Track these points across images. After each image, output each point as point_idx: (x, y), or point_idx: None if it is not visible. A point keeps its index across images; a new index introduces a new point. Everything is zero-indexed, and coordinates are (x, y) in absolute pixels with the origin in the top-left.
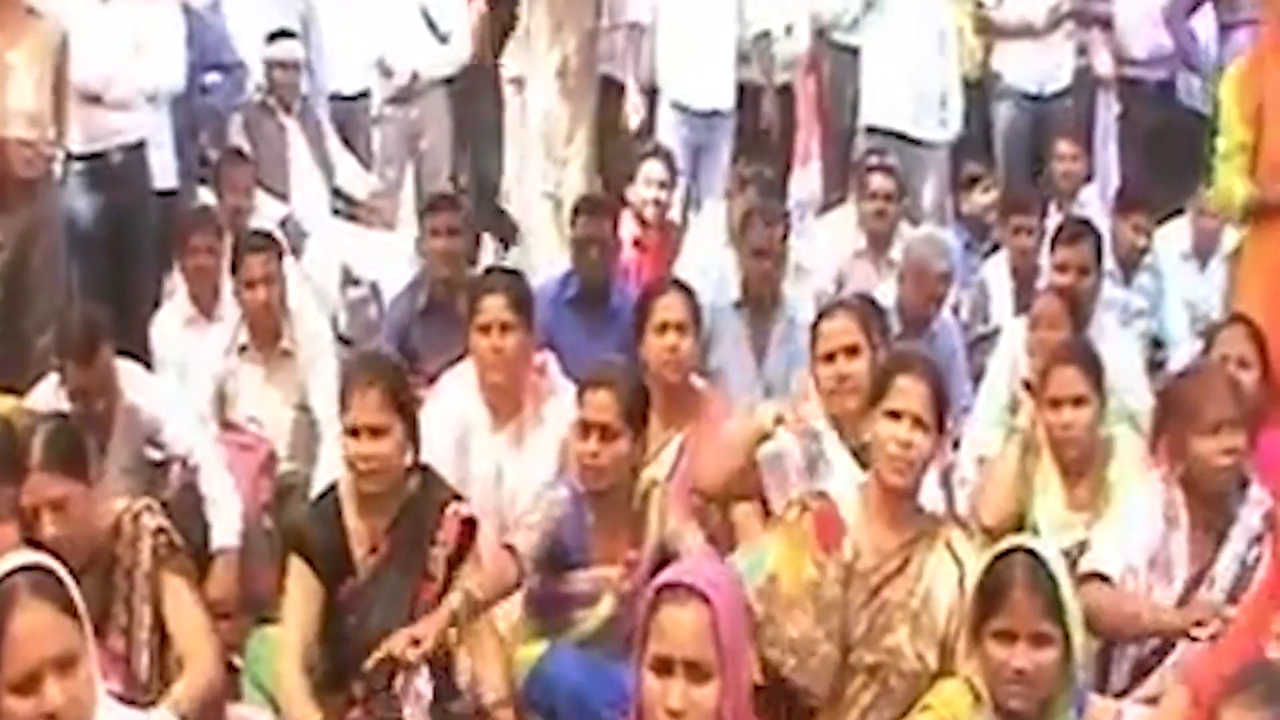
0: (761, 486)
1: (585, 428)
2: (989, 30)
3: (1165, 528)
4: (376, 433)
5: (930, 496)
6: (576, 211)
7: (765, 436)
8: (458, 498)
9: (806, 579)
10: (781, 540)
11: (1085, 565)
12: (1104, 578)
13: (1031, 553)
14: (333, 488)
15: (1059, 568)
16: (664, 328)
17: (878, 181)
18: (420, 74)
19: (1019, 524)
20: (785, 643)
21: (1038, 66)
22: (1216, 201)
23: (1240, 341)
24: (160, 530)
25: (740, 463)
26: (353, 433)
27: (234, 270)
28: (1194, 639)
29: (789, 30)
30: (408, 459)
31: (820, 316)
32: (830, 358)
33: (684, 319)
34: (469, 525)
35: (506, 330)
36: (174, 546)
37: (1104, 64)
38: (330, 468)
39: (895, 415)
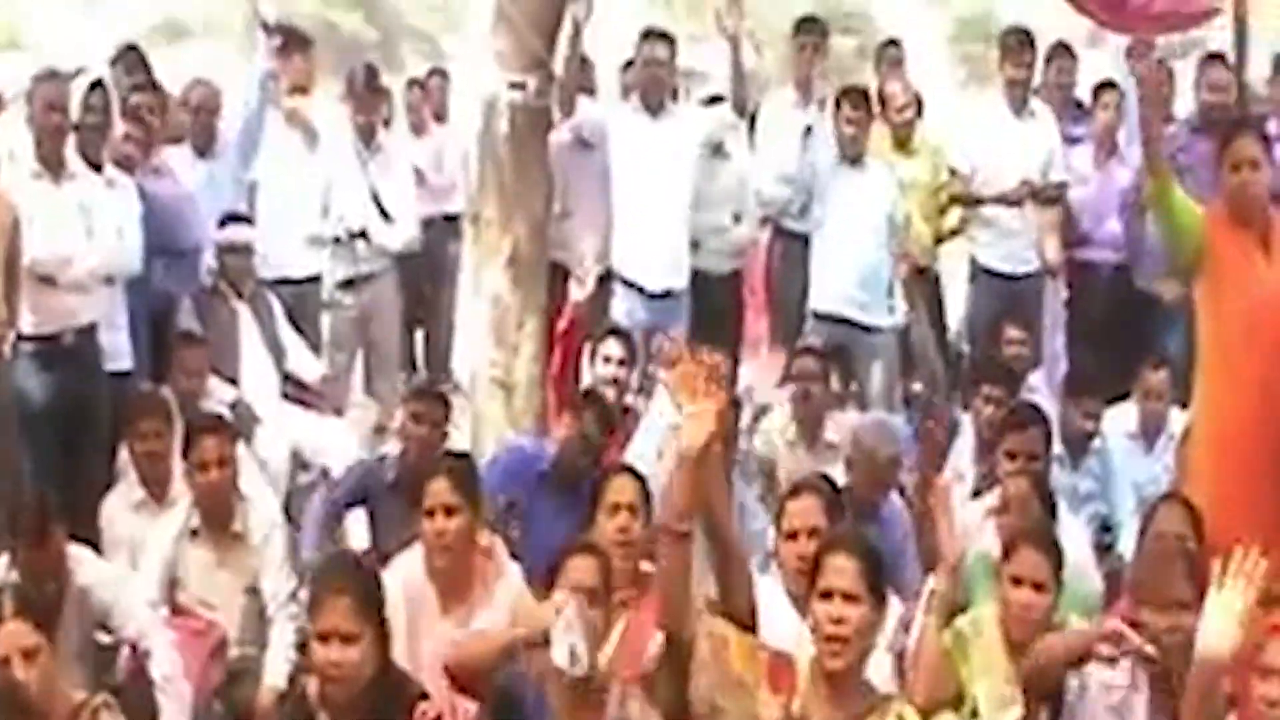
0: None
1: (572, 594)
2: (964, 202)
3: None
4: (347, 640)
5: (886, 679)
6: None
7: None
8: (424, 695)
9: (752, 688)
10: (741, 642)
11: None
12: None
13: None
14: (302, 690)
15: None
16: (616, 509)
17: (802, 364)
18: (367, 256)
19: (956, 698)
20: None
21: (1008, 246)
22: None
23: (1178, 520)
24: None
25: None
26: (322, 638)
27: (185, 453)
28: (1108, 658)
29: (738, 219)
30: (375, 664)
31: (788, 495)
32: (793, 536)
33: (634, 500)
34: None
35: (451, 514)
36: None
37: (1052, 249)
38: (279, 652)
39: (828, 595)
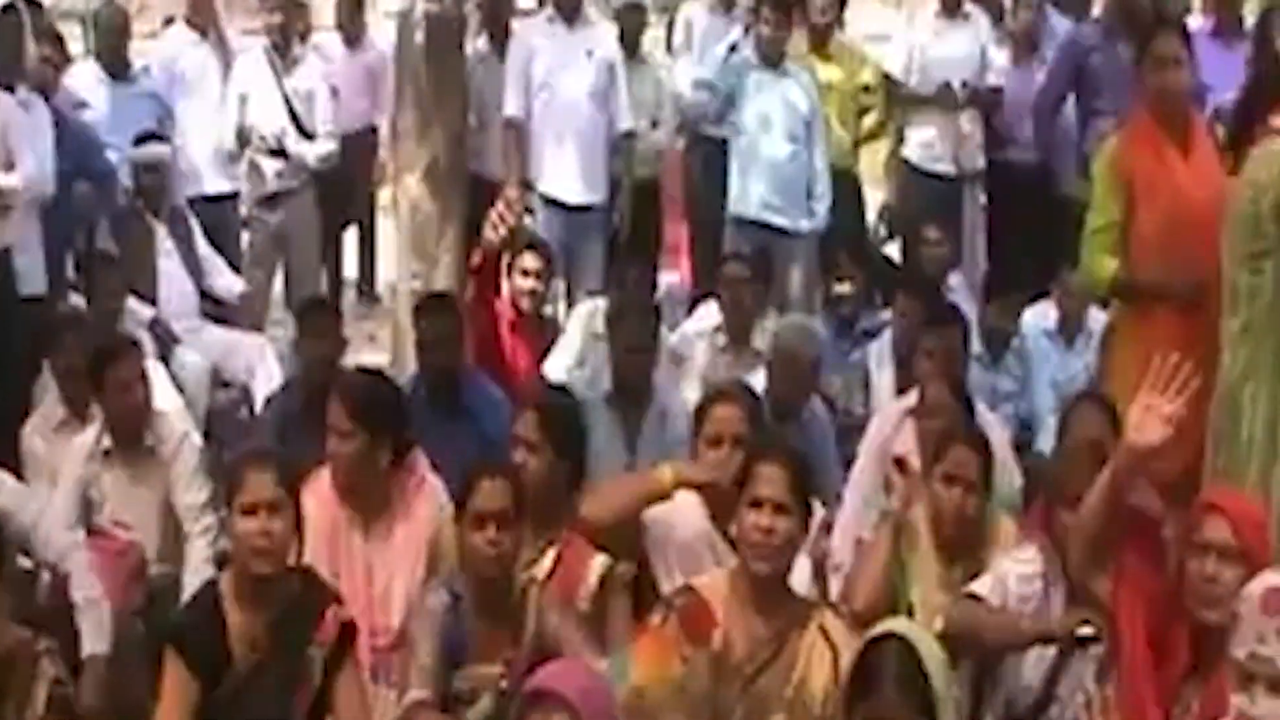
0: (643, 549)
1: (480, 519)
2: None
3: (1043, 586)
4: (272, 509)
5: (805, 583)
6: (419, 311)
7: (663, 497)
8: (338, 600)
9: (673, 677)
10: (646, 650)
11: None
12: (978, 598)
13: (904, 640)
14: (212, 584)
15: (931, 655)
16: (515, 442)
17: (731, 270)
18: (285, 171)
19: (892, 608)
20: None
21: (934, 148)
22: (1084, 280)
23: (1094, 422)
24: (58, 681)
25: (629, 512)
26: (247, 512)
27: (96, 375)
28: (1080, 641)
29: (655, 125)
30: (294, 549)
31: (709, 401)
32: (716, 442)
33: (537, 439)
34: (348, 629)
35: (345, 437)
36: (67, 701)
37: (970, 157)
38: (197, 569)
39: (757, 504)
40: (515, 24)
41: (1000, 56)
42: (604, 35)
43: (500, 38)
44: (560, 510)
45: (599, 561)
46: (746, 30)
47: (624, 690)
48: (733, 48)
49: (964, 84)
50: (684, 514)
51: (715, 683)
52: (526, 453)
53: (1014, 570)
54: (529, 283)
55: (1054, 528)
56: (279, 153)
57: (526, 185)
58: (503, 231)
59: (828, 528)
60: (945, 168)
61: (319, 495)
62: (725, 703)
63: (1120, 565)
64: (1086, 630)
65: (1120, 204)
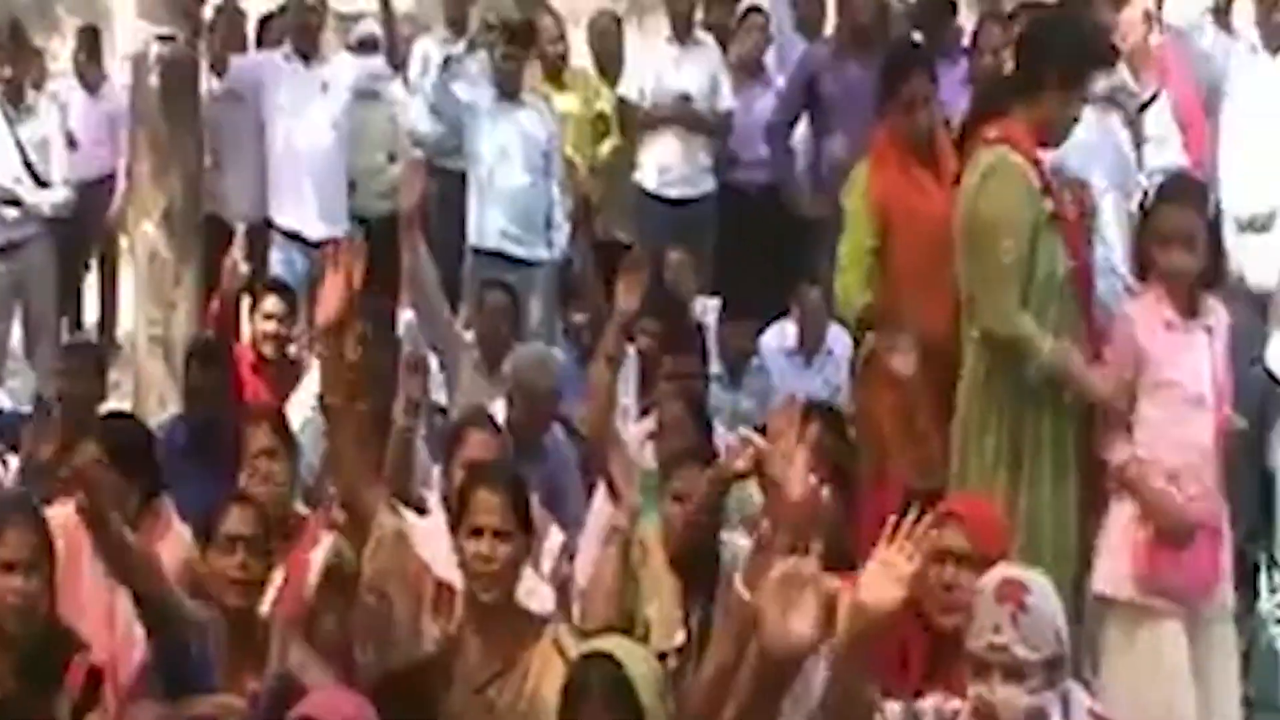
0: None
1: (229, 543)
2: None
3: None
4: (31, 567)
5: (546, 609)
6: (189, 359)
7: None
8: (84, 647)
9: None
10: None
11: None
12: None
13: (611, 657)
14: None
15: (640, 672)
16: (257, 456)
17: (494, 298)
18: (20, 221)
19: (628, 624)
20: None
21: (673, 172)
22: (840, 306)
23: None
24: None
25: None
26: (5, 568)
27: None
28: None
29: (392, 158)
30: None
31: (461, 427)
32: (470, 468)
33: (274, 445)
34: (95, 675)
35: None
36: None
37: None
38: None
39: (477, 532)
40: (249, 61)
41: (730, 81)
42: (341, 69)
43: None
44: (287, 531)
45: (321, 555)
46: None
47: None
48: (446, 60)
49: (697, 108)
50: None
51: (445, 689)
52: (269, 461)
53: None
54: (270, 326)
55: None
56: (13, 202)
57: (267, 223)
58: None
59: (570, 555)
60: (682, 191)
61: (66, 534)
62: (453, 708)
63: None
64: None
65: (875, 232)
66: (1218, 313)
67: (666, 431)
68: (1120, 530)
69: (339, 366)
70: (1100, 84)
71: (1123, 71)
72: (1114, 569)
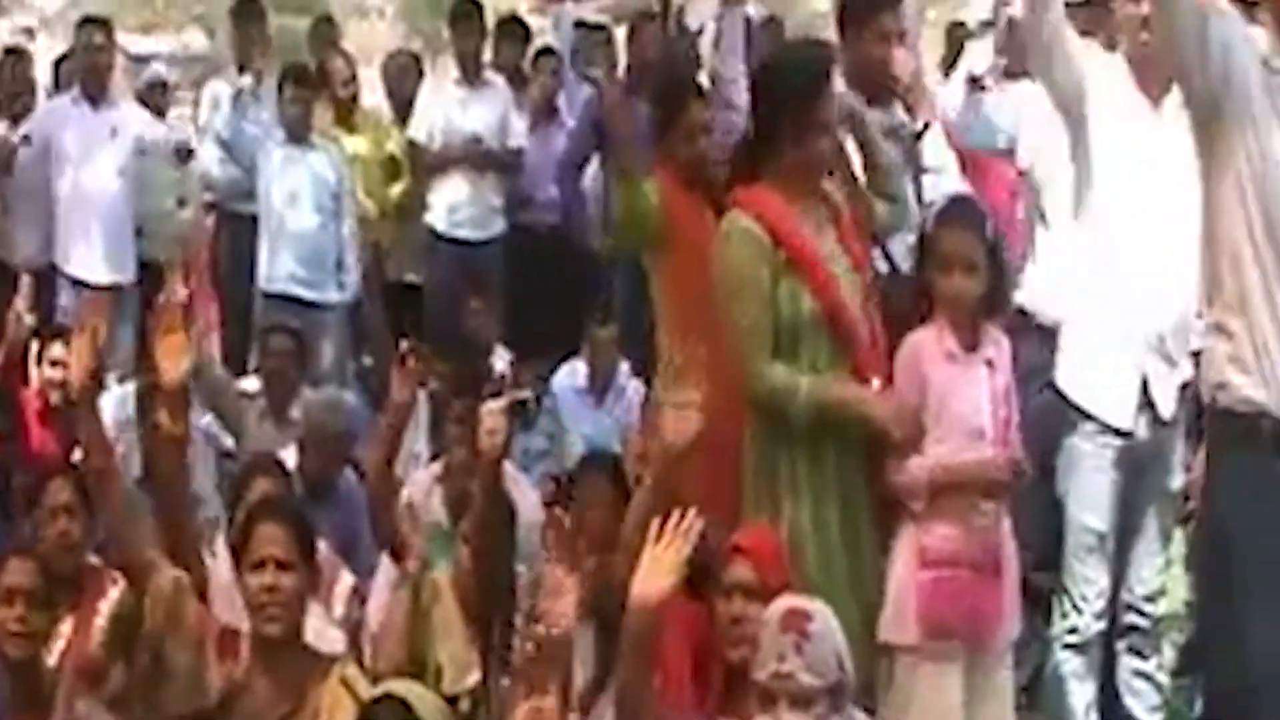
0: None
1: (10, 595)
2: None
3: None
4: None
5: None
6: None
7: None
8: None
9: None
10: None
11: None
12: None
13: (402, 700)
14: None
15: (431, 716)
16: (55, 513)
17: (276, 341)
18: None
19: (420, 668)
20: None
21: (464, 213)
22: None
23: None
24: None
25: None
26: None
27: None
28: None
29: (182, 203)
30: None
31: (246, 473)
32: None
33: (71, 502)
34: None
35: None
36: None
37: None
38: None
39: (260, 565)
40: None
41: (520, 121)
42: (129, 114)
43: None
44: (79, 580)
45: (108, 607)
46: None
47: None
48: (238, 94)
49: (487, 148)
50: None
51: None
52: (66, 518)
53: None
54: (56, 373)
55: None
56: None
57: (52, 267)
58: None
59: (362, 599)
60: (472, 232)
61: None
62: None
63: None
64: None
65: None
66: (1000, 345)
67: (454, 475)
68: (902, 574)
69: (94, 429)
70: (879, 119)
71: (897, 108)
72: (896, 614)
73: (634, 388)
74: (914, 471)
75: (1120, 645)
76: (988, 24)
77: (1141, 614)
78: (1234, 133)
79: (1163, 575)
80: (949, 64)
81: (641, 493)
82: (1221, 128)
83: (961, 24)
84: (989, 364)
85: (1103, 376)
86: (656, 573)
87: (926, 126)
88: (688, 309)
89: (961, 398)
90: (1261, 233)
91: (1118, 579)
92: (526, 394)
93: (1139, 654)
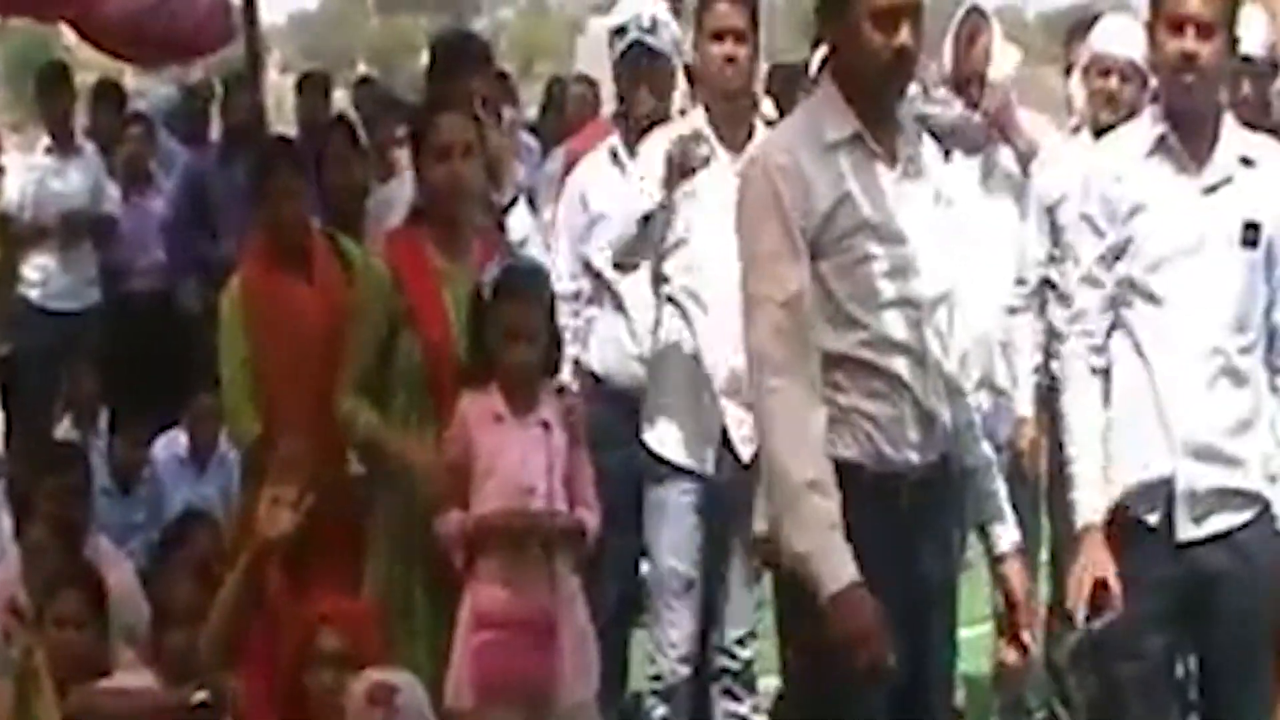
0: None
1: None
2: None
3: None
4: None
5: None
6: None
7: None
8: None
9: None
10: None
11: None
12: None
13: None
14: None
15: None
16: None
17: None
18: None
19: None
20: None
21: (63, 284)
22: (232, 440)
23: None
24: None
25: None
26: None
27: None
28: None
29: None
30: None
31: None
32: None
33: None
34: None
35: None
36: None
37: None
38: None
39: None
40: None
41: (113, 186)
42: None
43: None
44: None
45: None
46: None
47: None
48: None
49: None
50: None
51: None
52: None
53: None
54: None
55: None
56: None
57: None
58: None
59: None
60: (66, 304)
61: None
62: None
63: (249, 654)
64: (200, 696)
65: (247, 341)
66: (554, 406)
67: (33, 557)
68: (461, 636)
69: None
70: None
71: None
72: (455, 678)
73: (235, 457)
74: (452, 524)
75: (715, 689)
76: None
77: (733, 656)
78: None
79: (753, 616)
80: None
81: (231, 584)
82: None
83: None
84: (544, 425)
85: (683, 422)
86: (277, 512)
87: None
88: (270, 368)
89: (508, 458)
90: None
91: (708, 625)
92: None
93: (733, 696)
